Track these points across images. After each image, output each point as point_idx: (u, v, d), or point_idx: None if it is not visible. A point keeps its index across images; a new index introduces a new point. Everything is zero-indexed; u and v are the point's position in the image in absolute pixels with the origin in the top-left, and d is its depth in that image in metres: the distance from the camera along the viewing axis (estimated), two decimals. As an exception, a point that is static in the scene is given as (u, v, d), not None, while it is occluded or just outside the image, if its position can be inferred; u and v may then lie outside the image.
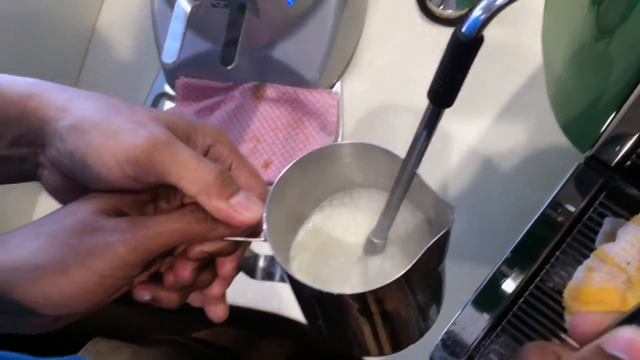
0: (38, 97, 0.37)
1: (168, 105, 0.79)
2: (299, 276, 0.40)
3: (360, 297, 0.33)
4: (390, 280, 0.32)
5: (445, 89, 0.29)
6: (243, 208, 0.36)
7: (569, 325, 0.27)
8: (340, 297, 0.33)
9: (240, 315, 0.69)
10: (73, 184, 0.37)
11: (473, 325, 0.50)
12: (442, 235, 0.33)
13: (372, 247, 0.39)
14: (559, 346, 0.28)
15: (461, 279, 0.63)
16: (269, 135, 0.74)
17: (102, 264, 0.33)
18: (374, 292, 0.33)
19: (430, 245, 0.32)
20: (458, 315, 0.51)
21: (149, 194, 0.38)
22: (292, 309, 0.70)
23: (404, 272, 0.32)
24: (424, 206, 0.40)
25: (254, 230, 0.39)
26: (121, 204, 0.36)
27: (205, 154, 0.39)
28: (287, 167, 0.38)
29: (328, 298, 0.34)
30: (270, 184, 0.73)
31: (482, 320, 0.50)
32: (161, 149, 0.35)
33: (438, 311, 0.40)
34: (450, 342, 0.50)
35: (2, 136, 0.37)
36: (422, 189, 0.36)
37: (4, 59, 0.72)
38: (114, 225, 0.34)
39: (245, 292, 0.70)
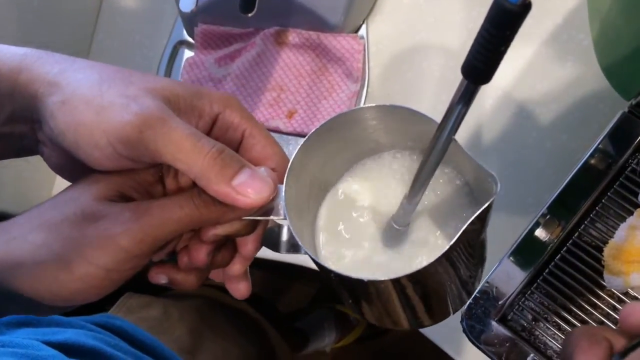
0: (29, 71, 0.34)
1: (187, 53, 0.76)
2: (326, 255, 0.38)
3: (394, 282, 0.31)
4: (427, 264, 0.30)
5: (484, 64, 0.25)
6: (247, 188, 0.32)
7: (620, 316, 0.25)
8: (371, 283, 0.31)
9: (268, 262, 0.68)
10: (75, 162, 0.34)
11: (507, 283, 0.49)
12: (483, 209, 0.30)
13: (393, 233, 0.37)
14: (609, 331, 0.26)
15: (495, 230, 0.61)
16: (293, 84, 0.71)
17: (106, 258, 0.31)
18: (409, 277, 0.31)
19: (471, 221, 0.30)
20: (491, 273, 0.49)
21: (154, 172, 0.35)
22: (320, 261, 0.70)
23: (441, 254, 0.30)
24: (463, 171, 0.37)
25: (274, 206, 0.35)
26: (125, 186, 0.34)
27: (214, 122, 0.36)
28: (307, 135, 0.35)
29: (359, 283, 0.32)
30: (295, 134, 0.72)
31: (516, 278, 0.49)
32: (154, 125, 0.31)
33: (480, 277, 0.38)
34: (483, 300, 0.49)
35: None
36: (460, 155, 0.33)
37: (22, 10, 0.70)
38: (117, 214, 0.32)
39: (272, 245, 0.69)
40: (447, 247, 0.30)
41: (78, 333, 0.51)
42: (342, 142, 0.37)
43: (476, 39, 0.25)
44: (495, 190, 0.30)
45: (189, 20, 0.73)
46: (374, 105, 0.35)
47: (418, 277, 0.31)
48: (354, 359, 1.35)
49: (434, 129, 0.30)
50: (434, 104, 0.69)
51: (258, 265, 0.44)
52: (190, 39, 0.76)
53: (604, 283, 0.47)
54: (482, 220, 0.32)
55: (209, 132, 0.36)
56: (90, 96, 0.32)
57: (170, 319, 0.73)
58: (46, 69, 0.34)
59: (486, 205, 0.30)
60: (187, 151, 0.32)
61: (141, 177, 0.34)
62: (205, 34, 0.73)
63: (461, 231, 0.30)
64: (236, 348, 0.78)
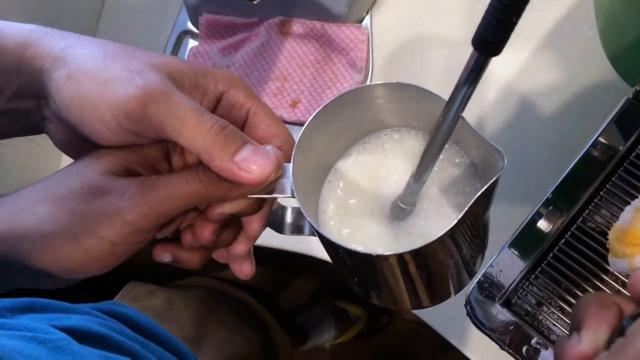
0: (34, 47, 0.34)
1: (192, 43, 0.76)
2: (331, 233, 0.38)
3: (400, 257, 0.31)
4: (434, 239, 0.30)
5: (495, 35, 0.25)
6: (250, 164, 0.32)
7: (628, 282, 0.26)
8: (378, 258, 0.31)
9: (271, 254, 0.69)
10: (81, 139, 0.34)
11: (511, 267, 0.49)
12: (490, 184, 0.30)
13: (399, 212, 0.37)
14: (618, 297, 0.27)
15: (498, 219, 0.62)
16: (297, 73, 0.71)
17: (112, 231, 0.31)
18: (415, 252, 0.31)
19: (478, 196, 0.30)
20: (496, 257, 0.49)
21: (160, 148, 0.35)
22: (322, 250, 0.70)
23: (448, 228, 0.30)
24: (468, 149, 0.37)
25: (280, 185, 0.35)
26: (131, 162, 0.34)
27: (218, 101, 0.36)
28: (315, 112, 0.35)
29: (365, 258, 0.32)
30: (298, 124, 0.72)
31: (520, 262, 0.49)
32: (158, 99, 0.31)
33: (482, 260, 0.38)
34: (488, 284, 0.49)
35: (2, 88, 0.35)
36: (466, 132, 0.33)
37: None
38: (123, 189, 0.32)
39: (276, 234, 0.69)
40: (455, 221, 0.30)
41: (84, 319, 0.51)
42: (347, 121, 0.37)
43: (487, 10, 0.25)
44: (502, 165, 0.30)
45: (194, 10, 0.74)
46: (381, 82, 0.34)
47: (425, 252, 0.32)
48: (353, 356, 1.35)
49: (441, 106, 0.30)
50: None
51: (258, 260, 0.44)
52: (194, 29, 0.76)
53: (609, 267, 0.47)
54: (488, 196, 0.32)
55: (213, 111, 0.36)
56: (95, 70, 0.32)
57: (175, 307, 0.73)
58: (52, 44, 0.34)
59: (493, 179, 0.30)
60: (190, 126, 0.32)
61: (147, 152, 0.34)
62: (210, 24, 0.73)
63: (469, 205, 0.30)
64: (240, 338, 0.78)
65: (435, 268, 0.35)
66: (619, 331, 0.25)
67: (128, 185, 0.32)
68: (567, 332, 0.48)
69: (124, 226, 0.31)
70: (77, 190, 0.32)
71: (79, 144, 0.35)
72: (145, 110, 0.31)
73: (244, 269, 0.39)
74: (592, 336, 0.26)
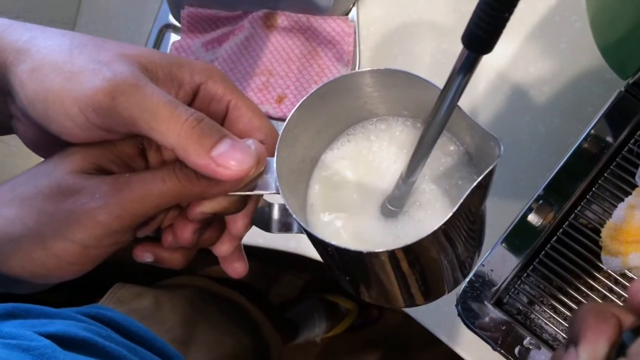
0: None
1: (174, 37, 0.75)
2: (320, 229, 0.36)
3: (392, 254, 0.30)
4: (427, 234, 0.29)
5: (486, 32, 0.24)
6: (228, 159, 0.30)
7: (628, 292, 0.25)
8: (369, 255, 0.30)
9: (259, 250, 0.67)
10: (51, 137, 0.32)
11: (502, 265, 0.48)
12: (487, 174, 0.29)
13: (388, 214, 0.35)
14: (617, 308, 0.26)
15: (488, 215, 0.61)
16: (282, 68, 0.70)
17: (83, 234, 0.30)
18: (407, 248, 0.30)
19: (474, 188, 0.28)
20: (487, 256, 0.48)
21: (134, 144, 0.33)
22: (310, 248, 0.68)
23: (442, 222, 0.28)
24: (461, 137, 0.36)
25: (264, 181, 0.33)
26: (102, 159, 0.32)
27: (195, 94, 0.34)
28: (299, 102, 0.33)
29: (355, 256, 0.31)
30: (284, 119, 0.71)
31: (512, 261, 0.48)
32: (127, 91, 0.29)
33: (478, 256, 0.37)
34: (479, 284, 0.48)
35: None
36: (459, 119, 0.32)
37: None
38: (94, 188, 0.30)
39: (263, 232, 0.68)
40: (449, 215, 0.29)
41: (68, 324, 0.50)
42: (334, 111, 0.35)
43: (478, 5, 0.24)
44: (499, 153, 0.29)
45: (175, 3, 0.72)
46: (369, 69, 0.33)
47: (417, 248, 0.30)
48: (345, 348, 1.35)
49: (432, 93, 0.29)
50: (425, 87, 0.69)
51: (247, 256, 0.43)
52: (176, 23, 0.74)
53: (601, 265, 0.46)
54: (485, 187, 0.30)
55: (190, 104, 0.34)
56: (61, 62, 0.30)
57: (162, 309, 0.72)
58: (15, 37, 0.32)
59: (490, 169, 0.29)
60: (162, 119, 0.29)
61: (120, 149, 0.33)
62: (192, 17, 0.72)
63: (464, 198, 0.29)
64: (229, 338, 0.77)
65: (428, 265, 0.34)
66: (618, 345, 0.24)
67: (99, 185, 0.30)
68: (559, 331, 0.47)
69: (95, 228, 0.30)
70: (45, 191, 0.30)
71: (49, 143, 0.33)
72: (114, 103, 0.29)
73: (237, 268, 0.38)
74: (590, 351, 0.25)
